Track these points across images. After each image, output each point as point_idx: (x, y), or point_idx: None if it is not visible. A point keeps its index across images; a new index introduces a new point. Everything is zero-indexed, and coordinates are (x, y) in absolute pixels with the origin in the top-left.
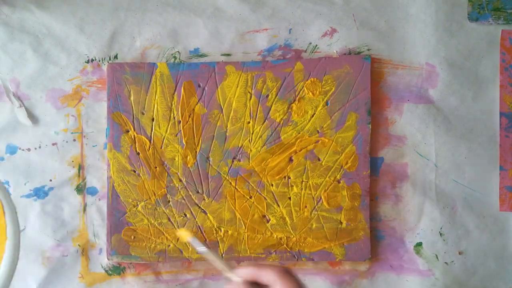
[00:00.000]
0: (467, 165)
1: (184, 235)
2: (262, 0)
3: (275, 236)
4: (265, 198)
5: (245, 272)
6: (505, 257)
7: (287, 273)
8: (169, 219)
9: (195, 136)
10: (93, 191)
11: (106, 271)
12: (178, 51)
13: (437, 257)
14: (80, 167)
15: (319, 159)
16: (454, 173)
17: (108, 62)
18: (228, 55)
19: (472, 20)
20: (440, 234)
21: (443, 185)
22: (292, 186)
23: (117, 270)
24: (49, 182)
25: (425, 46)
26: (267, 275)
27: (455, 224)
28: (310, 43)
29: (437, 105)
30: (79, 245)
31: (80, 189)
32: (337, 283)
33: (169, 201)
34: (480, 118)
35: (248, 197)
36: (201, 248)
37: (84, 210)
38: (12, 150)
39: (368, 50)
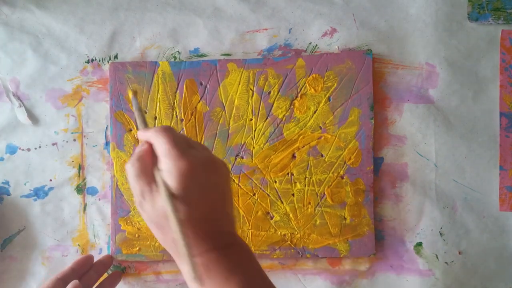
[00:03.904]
0: (467, 165)
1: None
2: (262, 0)
3: (279, 232)
4: (268, 195)
5: (139, 136)
6: (505, 257)
7: (164, 129)
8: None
9: (198, 134)
10: (93, 191)
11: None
12: (178, 51)
13: (437, 257)
14: (80, 167)
15: (322, 155)
16: (454, 173)
17: (108, 62)
18: (228, 55)
19: (472, 20)
20: (440, 234)
21: (443, 185)
22: (295, 182)
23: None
24: (49, 182)
25: (425, 46)
26: (150, 136)
27: (455, 224)
28: (310, 43)
29: (437, 105)
30: (79, 245)
31: (80, 189)
32: (337, 283)
33: None
34: (480, 118)
35: (251, 194)
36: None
37: (84, 210)
38: (12, 150)
39: (368, 50)
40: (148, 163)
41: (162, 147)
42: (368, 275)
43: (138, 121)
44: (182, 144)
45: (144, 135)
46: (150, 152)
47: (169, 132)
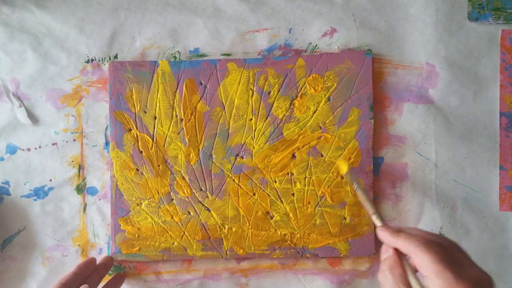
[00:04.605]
0: (467, 165)
1: (343, 166)
2: (262, 0)
3: (279, 232)
4: (268, 194)
5: (383, 238)
6: (505, 257)
7: (424, 244)
8: (172, 217)
9: (198, 133)
10: (93, 191)
11: None
12: (178, 51)
13: None
14: (80, 167)
15: (322, 155)
16: (454, 173)
17: (108, 62)
18: (228, 55)
19: (472, 20)
20: (440, 234)
21: (443, 185)
22: (295, 182)
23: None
24: (49, 182)
25: (425, 46)
26: (404, 246)
27: (455, 224)
28: (310, 43)
29: (437, 105)
30: (79, 245)
31: (80, 189)
32: (337, 283)
33: (172, 199)
34: (480, 118)
35: (251, 194)
36: (355, 185)
37: (84, 210)
38: (12, 150)
39: (368, 50)
40: (401, 274)
41: (430, 266)
42: (368, 275)
43: (373, 217)
44: (450, 262)
45: (392, 241)
46: (400, 262)
47: (433, 248)
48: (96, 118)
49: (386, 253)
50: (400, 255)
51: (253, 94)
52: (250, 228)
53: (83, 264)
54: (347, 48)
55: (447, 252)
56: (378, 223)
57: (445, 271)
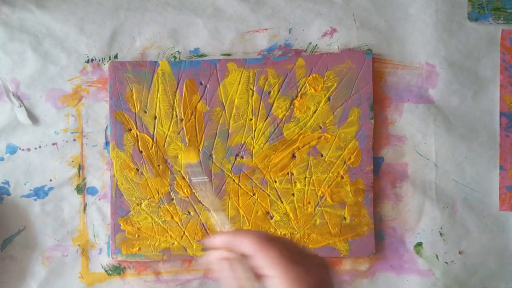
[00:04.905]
0: (467, 165)
1: (194, 156)
2: (262, 0)
3: (279, 232)
4: (268, 194)
5: (220, 241)
6: (505, 257)
7: (268, 241)
8: (172, 217)
9: (198, 133)
10: (93, 191)
11: (106, 271)
12: (178, 51)
13: (437, 257)
14: (80, 167)
15: (322, 155)
16: (454, 173)
17: (108, 62)
18: (228, 55)
19: (472, 20)
20: (440, 234)
21: (443, 185)
22: (295, 182)
23: (117, 270)
24: (49, 182)
25: (425, 46)
26: (243, 246)
27: (455, 224)
28: (310, 43)
29: (437, 105)
30: (79, 245)
31: (80, 189)
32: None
33: (172, 199)
34: (480, 118)
35: (251, 194)
36: (198, 179)
37: (84, 210)
38: (12, 150)
39: (368, 50)
40: (245, 279)
41: (276, 263)
42: (368, 275)
43: (217, 219)
44: (295, 257)
45: (232, 240)
46: (243, 265)
47: (280, 244)
48: (96, 118)
49: (218, 256)
50: (242, 258)
51: (253, 94)
52: (250, 228)
53: None
54: (347, 48)
55: (291, 245)
56: (224, 227)
57: (293, 267)
